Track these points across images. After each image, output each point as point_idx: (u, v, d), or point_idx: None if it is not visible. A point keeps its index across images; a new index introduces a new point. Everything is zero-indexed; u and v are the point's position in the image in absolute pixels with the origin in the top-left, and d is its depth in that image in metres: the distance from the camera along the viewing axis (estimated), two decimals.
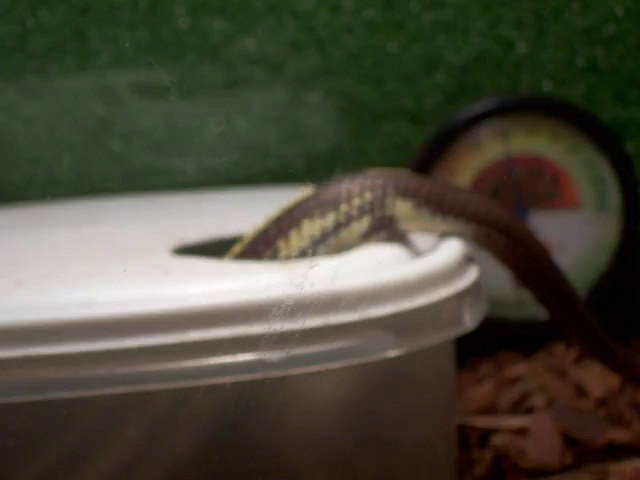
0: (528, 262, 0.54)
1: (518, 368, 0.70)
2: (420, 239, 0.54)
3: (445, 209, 0.52)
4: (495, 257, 0.54)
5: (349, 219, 0.51)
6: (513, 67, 0.77)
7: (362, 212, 0.51)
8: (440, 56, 0.77)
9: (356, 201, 0.51)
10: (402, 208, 0.52)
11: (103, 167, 0.77)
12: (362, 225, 0.51)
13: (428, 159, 0.72)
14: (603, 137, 0.73)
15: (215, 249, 0.53)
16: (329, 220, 0.51)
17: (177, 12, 0.76)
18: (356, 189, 0.52)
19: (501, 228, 0.52)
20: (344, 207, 0.51)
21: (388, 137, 0.77)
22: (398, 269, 0.48)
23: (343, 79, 0.77)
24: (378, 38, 0.77)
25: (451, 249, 0.51)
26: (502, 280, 0.70)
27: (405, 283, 0.47)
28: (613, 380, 0.67)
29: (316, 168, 0.77)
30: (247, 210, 0.63)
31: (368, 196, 0.51)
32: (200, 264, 0.49)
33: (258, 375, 0.44)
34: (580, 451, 0.60)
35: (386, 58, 0.77)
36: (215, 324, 0.43)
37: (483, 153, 0.73)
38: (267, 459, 0.46)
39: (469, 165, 0.73)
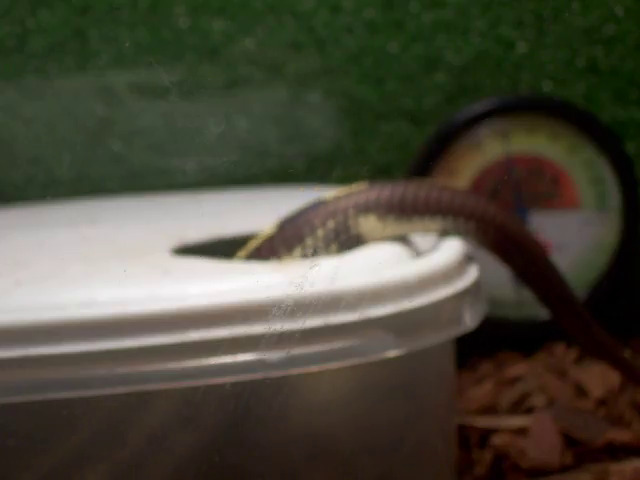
0: (505, 244, 0.53)
1: (518, 368, 0.70)
2: (420, 239, 0.54)
3: (408, 210, 0.52)
4: (484, 248, 0.54)
5: (317, 250, 0.51)
6: (513, 67, 0.77)
7: (328, 241, 0.52)
8: (440, 56, 0.77)
9: (320, 232, 0.52)
10: (367, 224, 0.52)
11: (103, 167, 0.77)
12: (330, 253, 0.52)
13: (428, 159, 0.72)
14: (603, 137, 0.73)
15: (215, 249, 0.53)
16: (296, 256, 0.52)
17: (177, 12, 0.76)
18: (318, 220, 0.52)
19: (467, 214, 0.52)
20: (309, 241, 0.52)
21: (388, 137, 0.77)
22: (398, 269, 0.48)
23: (343, 79, 0.77)
24: (378, 38, 0.77)
25: (451, 249, 0.51)
26: (502, 280, 0.70)
27: (405, 283, 0.47)
28: (613, 380, 0.67)
29: (316, 168, 0.77)
30: (247, 210, 0.63)
31: (331, 224, 0.51)
32: (200, 264, 0.49)
33: (258, 375, 0.44)
34: (580, 451, 0.60)
35: (386, 58, 0.77)
36: (215, 324, 0.43)
37: (483, 153, 0.73)
38: (267, 459, 0.46)
39: (469, 165, 0.73)
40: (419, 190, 0.52)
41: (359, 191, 0.52)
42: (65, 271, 0.49)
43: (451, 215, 0.52)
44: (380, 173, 0.76)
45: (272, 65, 0.77)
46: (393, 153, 0.77)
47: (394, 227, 0.52)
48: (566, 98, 0.76)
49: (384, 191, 0.52)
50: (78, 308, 0.43)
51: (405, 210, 0.52)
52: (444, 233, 0.53)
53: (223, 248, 0.53)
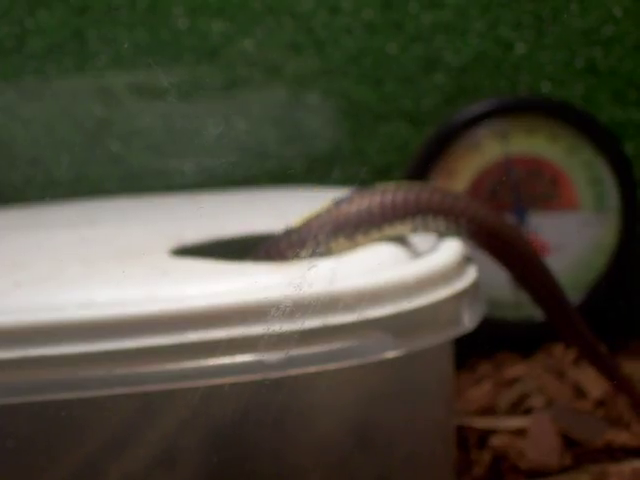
0: (481, 234, 0.53)
1: (517, 369, 0.70)
2: (419, 239, 0.54)
3: (377, 221, 0.52)
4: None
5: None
6: (512, 68, 0.77)
7: None
8: (439, 57, 0.77)
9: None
10: (337, 247, 0.52)
11: (102, 168, 0.77)
12: None
13: (427, 160, 0.73)
14: (602, 138, 0.73)
15: (214, 250, 0.53)
16: None
17: (176, 13, 0.76)
18: (290, 252, 0.52)
19: (435, 210, 0.52)
20: None
21: (387, 138, 0.77)
22: (397, 270, 0.48)
23: (342, 80, 0.77)
24: (377, 39, 0.77)
25: (450, 250, 0.51)
26: (501, 281, 0.70)
27: (404, 284, 0.47)
28: None
29: (315, 169, 0.77)
30: (246, 211, 0.63)
31: (303, 254, 0.51)
32: (199, 265, 0.49)
33: (257, 376, 0.44)
34: (579, 452, 0.60)
35: (385, 59, 0.77)
36: (214, 325, 0.43)
37: (482, 154, 0.73)
38: (266, 460, 0.46)
39: (468, 166, 0.73)
40: (384, 197, 0.52)
41: (326, 212, 0.52)
42: (64, 272, 0.49)
43: (420, 214, 0.52)
44: (379, 174, 0.76)
45: (271, 66, 0.77)
46: (392, 154, 0.77)
47: (365, 240, 0.52)
48: (565, 99, 0.76)
49: (351, 207, 0.52)
50: (77, 309, 0.43)
51: (373, 221, 0.52)
52: (442, 234, 0.53)
53: (222, 249, 0.53)
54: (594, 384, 0.67)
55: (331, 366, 0.45)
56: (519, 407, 0.66)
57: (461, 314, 0.49)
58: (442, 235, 0.53)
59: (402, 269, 0.48)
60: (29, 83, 0.76)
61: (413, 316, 0.46)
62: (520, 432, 0.62)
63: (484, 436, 0.63)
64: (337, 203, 0.52)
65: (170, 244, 0.54)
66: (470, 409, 0.66)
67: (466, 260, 0.52)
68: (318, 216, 0.52)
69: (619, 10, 0.76)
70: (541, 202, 0.74)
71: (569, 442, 0.61)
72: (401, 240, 0.53)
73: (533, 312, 0.72)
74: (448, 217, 0.52)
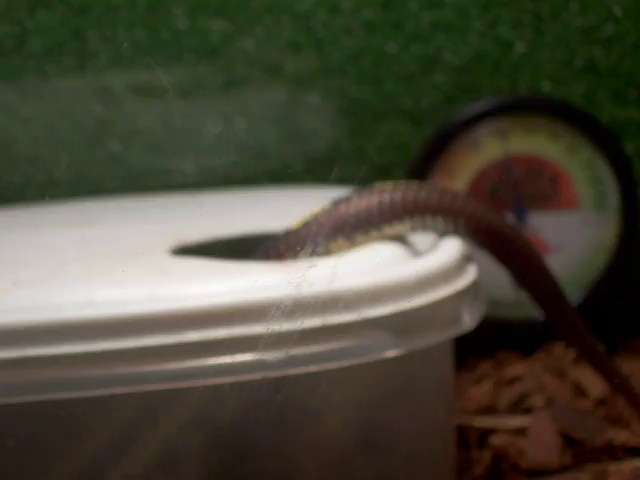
0: (479, 233, 0.53)
1: (517, 368, 0.70)
2: (419, 239, 0.54)
3: (376, 221, 0.52)
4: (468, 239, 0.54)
5: None
6: (512, 67, 0.77)
7: None
8: (439, 56, 0.77)
9: None
10: (336, 247, 0.52)
11: (102, 168, 0.77)
12: None
13: (427, 159, 0.72)
14: (602, 137, 0.73)
15: (214, 249, 0.53)
16: None
17: (175, 12, 0.76)
18: (289, 254, 0.52)
19: (433, 210, 0.52)
20: None
21: (387, 137, 0.77)
22: (397, 269, 0.48)
23: (342, 79, 0.77)
24: (377, 38, 0.77)
25: (450, 249, 0.51)
26: (501, 280, 0.70)
27: (404, 283, 0.47)
28: None
29: (315, 168, 0.77)
30: (246, 210, 0.63)
31: (302, 255, 0.51)
32: (199, 264, 0.49)
33: (257, 375, 0.44)
34: (579, 451, 0.60)
35: (385, 58, 0.77)
36: (214, 324, 0.43)
37: (482, 153, 0.73)
38: (266, 459, 0.46)
39: (468, 165, 0.73)
40: (382, 197, 0.52)
41: (324, 213, 0.52)
42: (64, 272, 0.49)
43: (418, 214, 0.52)
44: (379, 173, 0.76)
45: (271, 65, 0.77)
46: (392, 153, 0.77)
47: (364, 240, 0.52)
48: (565, 98, 0.76)
49: (350, 207, 0.52)
50: (77, 308, 0.44)
51: (372, 221, 0.52)
52: (441, 233, 0.53)
53: (222, 248, 0.53)
54: (594, 383, 0.67)
55: (331, 365, 0.45)
56: (519, 406, 0.66)
57: (461, 313, 0.49)
58: (442, 234, 0.53)
59: (402, 268, 0.48)
60: (29, 83, 0.76)
61: (413, 315, 0.46)
62: (520, 431, 0.62)
63: (484, 435, 0.63)
64: (336, 203, 0.52)
65: (170, 243, 0.54)
66: (470, 408, 0.66)
67: (466, 259, 0.52)
68: (317, 217, 0.52)
69: (619, 9, 0.76)
70: (541, 201, 0.74)
71: (569, 441, 0.61)
72: (401, 240, 0.53)
73: (533, 311, 0.72)
74: (446, 216, 0.52)
